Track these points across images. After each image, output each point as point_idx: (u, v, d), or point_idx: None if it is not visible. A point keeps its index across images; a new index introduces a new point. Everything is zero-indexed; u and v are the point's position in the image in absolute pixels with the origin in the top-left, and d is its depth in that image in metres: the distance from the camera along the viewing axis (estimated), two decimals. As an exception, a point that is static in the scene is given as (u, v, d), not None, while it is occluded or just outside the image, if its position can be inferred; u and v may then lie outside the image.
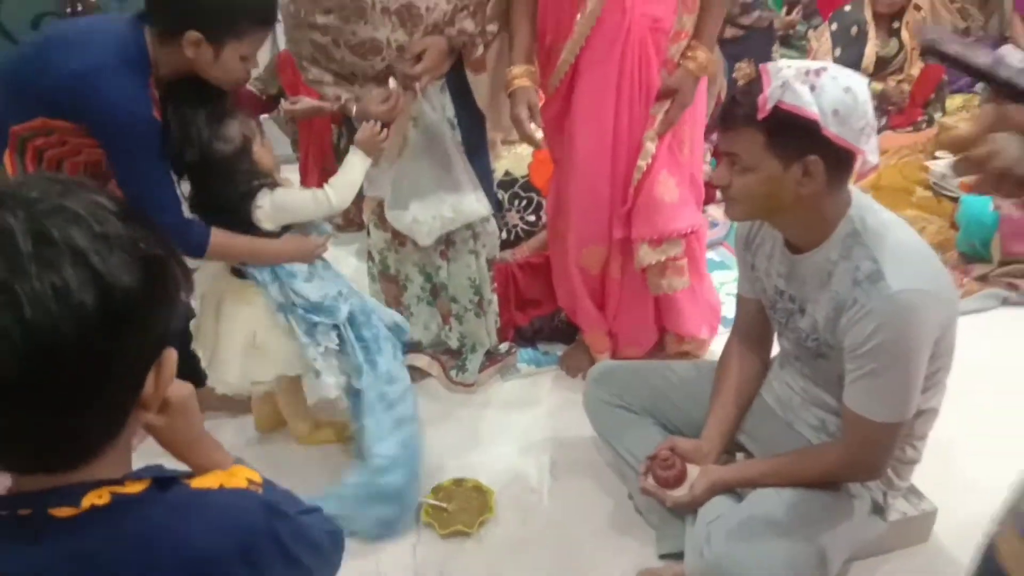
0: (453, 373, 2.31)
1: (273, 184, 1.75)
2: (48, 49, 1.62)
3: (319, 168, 3.20)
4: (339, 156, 3.37)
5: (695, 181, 2.11)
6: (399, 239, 2.20)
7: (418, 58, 1.85)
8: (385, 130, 1.85)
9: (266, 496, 0.79)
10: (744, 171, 1.40)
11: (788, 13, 4.46)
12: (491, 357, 2.35)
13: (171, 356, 0.72)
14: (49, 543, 0.67)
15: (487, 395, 2.31)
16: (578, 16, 1.87)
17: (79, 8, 3.95)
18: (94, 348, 0.62)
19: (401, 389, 1.88)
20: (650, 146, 1.98)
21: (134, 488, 0.70)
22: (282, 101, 3.17)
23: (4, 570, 0.68)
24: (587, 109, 1.97)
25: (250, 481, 0.78)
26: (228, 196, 1.71)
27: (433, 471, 1.96)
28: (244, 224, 1.73)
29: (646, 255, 2.06)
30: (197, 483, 0.74)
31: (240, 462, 0.86)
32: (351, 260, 3.14)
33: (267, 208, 1.72)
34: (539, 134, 1.98)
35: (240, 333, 1.80)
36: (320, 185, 1.82)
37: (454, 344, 2.31)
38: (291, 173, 3.19)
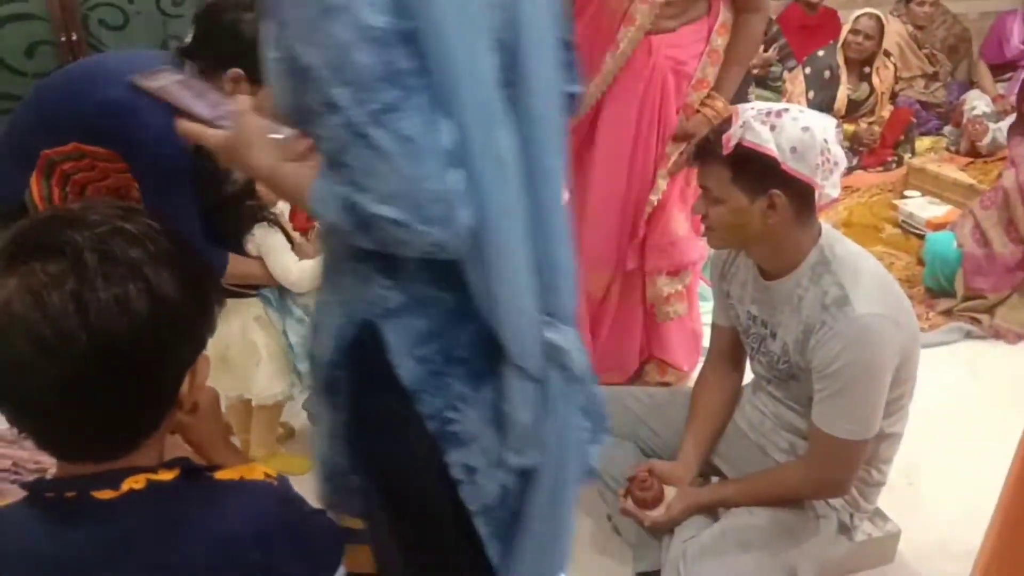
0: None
1: (274, 223, 1.84)
2: (90, 77, 1.69)
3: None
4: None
5: (695, 219, 2.13)
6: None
7: None
8: None
9: (281, 489, 0.86)
10: (715, 203, 1.51)
11: (765, 51, 4.60)
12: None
13: (205, 361, 0.81)
14: (91, 523, 0.74)
15: (470, 419, 2.36)
16: (608, 55, 1.96)
17: (73, 38, 4.03)
18: (145, 351, 0.72)
19: None
20: (662, 183, 2.08)
21: (166, 476, 0.77)
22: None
23: (52, 548, 0.74)
24: (608, 141, 2.06)
25: (267, 475, 0.85)
26: (229, 228, 1.79)
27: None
28: (238, 249, 1.82)
29: (665, 285, 2.17)
30: (221, 475, 0.82)
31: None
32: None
33: (258, 239, 1.82)
34: None
35: (214, 347, 1.85)
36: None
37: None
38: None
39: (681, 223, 2.13)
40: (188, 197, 1.68)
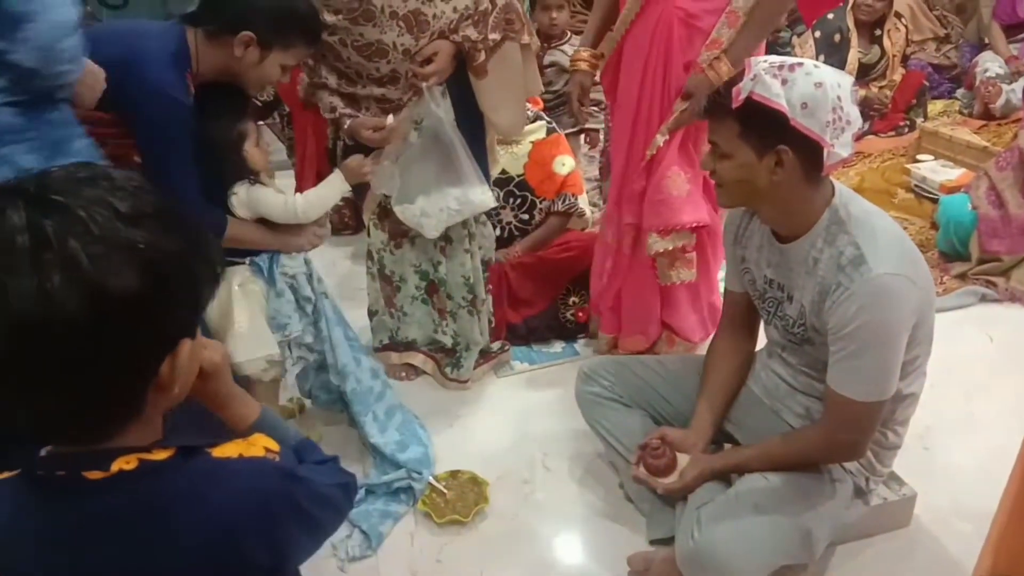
0: (448, 370, 2.36)
1: (256, 182, 1.81)
2: (94, 41, 1.68)
3: (315, 172, 3.25)
4: (334, 161, 3.43)
5: (708, 185, 2.12)
6: (395, 240, 2.25)
7: (428, 60, 1.92)
8: (372, 164, 1.94)
9: (283, 463, 0.84)
10: (723, 158, 1.48)
11: (774, 16, 4.53)
12: (485, 355, 2.40)
13: (187, 346, 0.75)
14: (82, 503, 0.73)
15: (481, 391, 2.35)
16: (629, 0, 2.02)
17: (74, 17, 4.00)
18: (83, 345, 0.66)
19: (383, 382, 2.03)
20: (659, 139, 2.07)
21: (160, 455, 0.75)
22: (280, 106, 3.22)
23: (42, 527, 0.73)
24: (623, 88, 2.13)
25: (267, 449, 0.83)
26: (212, 183, 1.76)
27: (433, 465, 2.00)
28: (221, 210, 1.79)
29: (655, 243, 2.15)
30: (218, 452, 0.79)
31: (269, 415, 0.91)
32: (346, 263, 3.18)
33: (242, 196, 1.78)
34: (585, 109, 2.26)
35: None
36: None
37: (448, 342, 2.35)
38: (287, 179, 3.24)
39: (677, 183, 2.10)
40: (189, 154, 1.68)
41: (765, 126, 1.41)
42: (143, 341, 0.70)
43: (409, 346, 2.41)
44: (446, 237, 2.20)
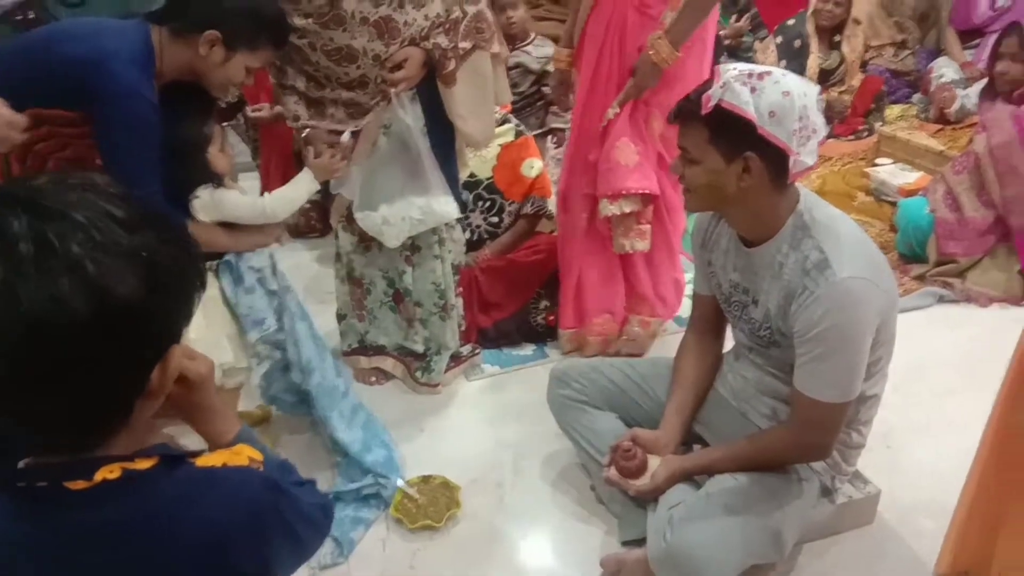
0: (418, 374, 2.35)
1: (219, 185, 1.80)
2: (51, 39, 1.66)
3: (280, 175, 3.21)
4: (300, 163, 3.40)
5: (663, 160, 2.26)
6: (365, 243, 2.24)
7: (398, 66, 1.92)
8: (342, 161, 1.96)
9: (267, 473, 0.83)
10: (691, 163, 1.51)
11: (737, 21, 4.61)
12: (455, 358, 2.40)
13: (176, 353, 0.75)
14: (64, 514, 0.71)
15: (452, 395, 2.35)
16: None
17: (31, 16, 3.90)
18: (88, 349, 0.66)
19: (346, 380, 2.03)
20: (609, 112, 2.22)
21: (143, 464, 0.74)
22: (245, 108, 3.18)
23: (24, 537, 0.71)
24: (584, 73, 2.27)
25: (251, 459, 0.82)
26: (173, 186, 1.73)
27: (401, 469, 2.00)
28: (183, 214, 1.77)
29: (604, 207, 2.27)
30: (202, 461, 0.78)
31: (247, 432, 0.90)
32: (313, 266, 3.16)
33: (205, 199, 1.77)
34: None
35: None
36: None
37: (419, 348, 2.35)
38: (252, 181, 3.21)
39: (626, 153, 2.23)
40: (154, 156, 1.65)
41: (734, 133, 1.43)
42: (142, 347, 0.71)
43: (379, 350, 2.40)
44: (414, 245, 2.19)
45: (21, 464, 0.74)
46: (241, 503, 0.77)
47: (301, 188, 1.90)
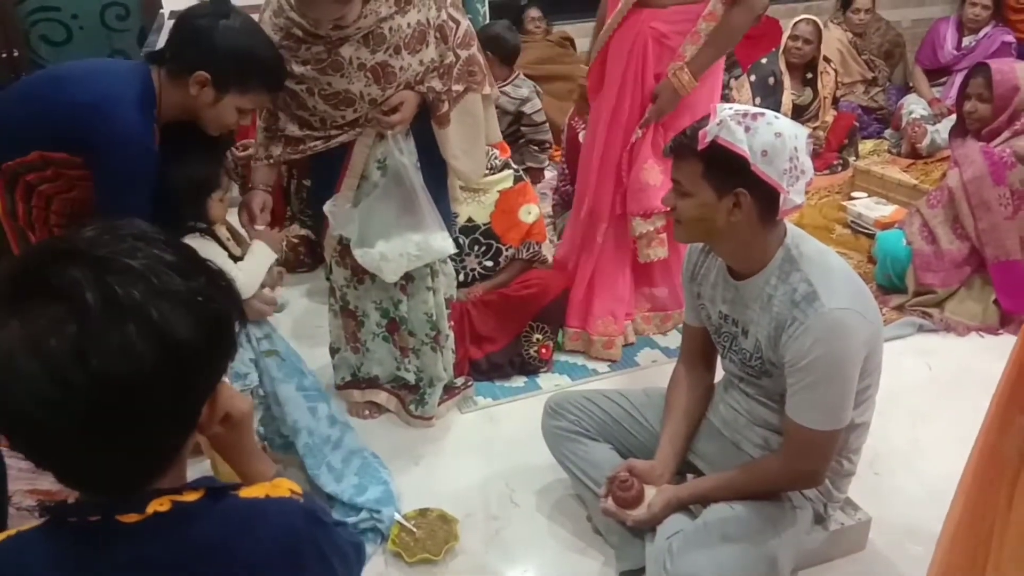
0: (412, 407, 2.36)
1: (208, 232, 1.82)
2: (57, 83, 1.67)
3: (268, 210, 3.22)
4: (288, 199, 3.42)
5: None
6: (358, 276, 2.26)
7: (394, 109, 1.97)
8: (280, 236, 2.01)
9: (307, 504, 0.85)
10: (684, 196, 1.56)
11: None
12: (448, 390, 2.41)
13: (225, 389, 0.79)
14: (117, 548, 0.73)
15: (446, 427, 2.36)
16: (614, 10, 2.40)
17: (15, 54, 3.91)
18: (154, 392, 0.69)
19: (343, 425, 2.03)
20: (639, 131, 2.49)
21: (191, 496, 0.76)
22: (233, 148, 3.20)
23: (77, 573, 0.73)
24: (606, 91, 2.49)
25: (292, 491, 0.84)
26: (163, 222, 1.75)
27: (397, 502, 2.00)
28: None
29: (639, 226, 2.57)
30: (246, 493, 0.81)
31: (281, 473, 0.92)
32: (302, 300, 3.16)
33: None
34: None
35: None
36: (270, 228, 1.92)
37: (411, 379, 2.36)
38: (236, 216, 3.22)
39: (653, 174, 2.49)
40: (146, 202, 1.66)
41: (727, 169, 1.49)
42: (197, 386, 0.74)
43: (372, 383, 2.41)
44: (408, 275, 2.22)
45: (69, 499, 0.76)
46: (283, 533, 0.80)
47: (263, 261, 1.92)
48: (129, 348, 0.67)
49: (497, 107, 3.65)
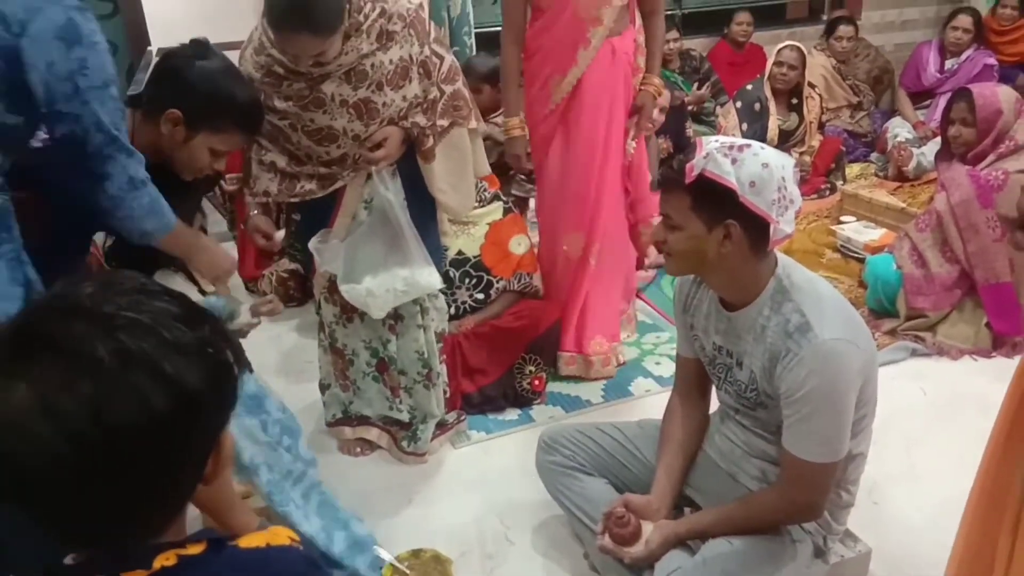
0: (404, 443, 2.33)
1: (179, 271, 1.81)
2: None
3: (256, 246, 3.21)
4: (277, 234, 3.41)
5: None
6: (347, 314, 2.25)
7: (378, 145, 1.96)
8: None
9: (306, 552, 0.85)
10: (674, 229, 1.55)
11: (699, 88, 4.79)
12: (442, 426, 2.39)
13: (229, 439, 0.78)
14: None
15: (439, 464, 2.34)
16: (580, 50, 2.49)
17: None
18: (166, 444, 0.69)
19: (303, 462, 1.93)
20: (631, 145, 2.72)
21: (195, 549, 0.75)
22: (222, 181, 3.20)
23: None
24: (585, 123, 2.57)
25: (291, 539, 0.84)
26: (134, 259, 1.75)
27: (390, 542, 1.96)
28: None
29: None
30: (246, 543, 0.79)
31: (264, 524, 0.90)
32: (292, 335, 3.14)
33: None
34: (529, 165, 2.70)
35: None
36: (258, 263, 1.89)
37: (404, 417, 2.33)
38: (230, 251, 3.21)
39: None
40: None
41: (716, 201, 1.48)
42: (205, 436, 0.74)
43: (363, 420, 2.38)
44: (396, 315, 2.20)
45: (68, 560, 0.74)
46: None
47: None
48: (143, 401, 0.67)
49: (489, 138, 3.71)
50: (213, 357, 0.73)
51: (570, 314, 2.72)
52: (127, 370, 0.66)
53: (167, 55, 1.73)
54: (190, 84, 1.64)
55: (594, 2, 2.45)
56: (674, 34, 4.73)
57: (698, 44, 5.15)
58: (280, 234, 2.02)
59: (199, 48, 1.69)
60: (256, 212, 2.11)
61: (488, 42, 4.64)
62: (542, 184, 2.73)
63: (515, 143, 2.61)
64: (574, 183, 2.63)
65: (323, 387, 2.39)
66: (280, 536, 0.82)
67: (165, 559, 0.72)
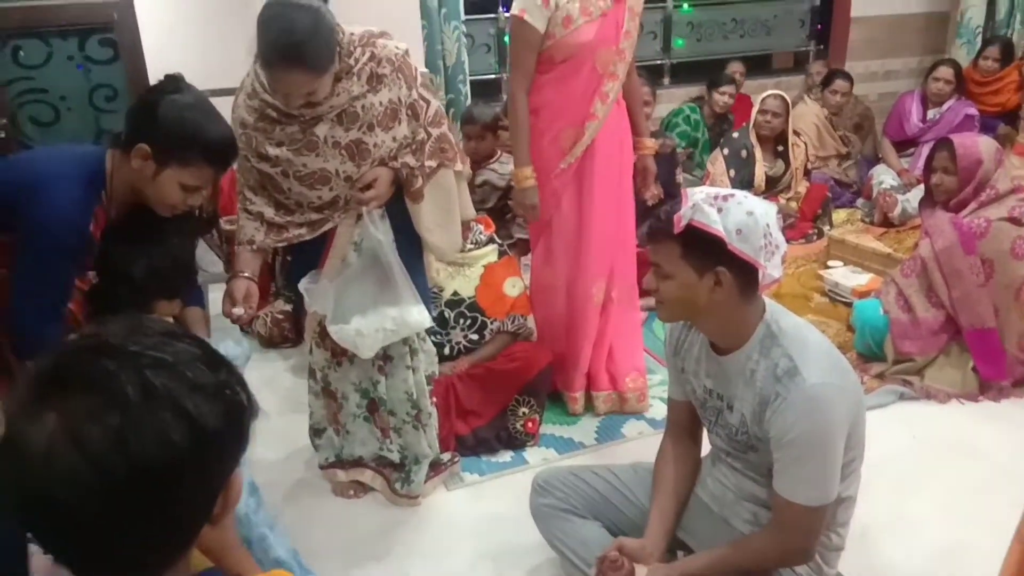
0: (398, 486, 2.34)
1: (151, 312, 1.81)
2: (9, 164, 1.70)
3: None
4: (273, 277, 3.45)
5: None
6: (337, 358, 2.26)
7: (368, 186, 2.00)
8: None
9: None
10: (665, 278, 1.59)
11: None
12: (435, 467, 2.39)
13: (238, 480, 0.80)
14: None
15: (433, 506, 2.34)
16: (597, 104, 2.53)
17: (2, 135, 3.96)
18: (183, 479, 0.72)
19: (257, 500, 1.89)
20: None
21: None
22: (219, 221, 3.24)
23: None
24: (603, 172, 2.61)
25: None
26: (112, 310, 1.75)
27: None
28: None
29: None
30: None
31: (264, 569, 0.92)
32: (287, 376, 3.15)
33: None
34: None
35: None
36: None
37: (395, 457, 2.34)
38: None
39: None
40: (68, 277, 1.67)
41: (704, 249, 1.53)
42: (218, 475, 0.77)
43: (356, 463, 2.39)
44: (386, 355, 2.22)
45: None
46: None
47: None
48: (165, 437, 0.69)
49: (487, 183, 3.78)
50: (231, 398, 0.76)
51: (599, 351, 2.78)
52: (151, 405, 0.70)
53: (145, 91, 1.76)
54: (158, 118, 1.65)
55: (611, 57, 2.50)
56: (648, 95, 4.24)
57: (685, 93, 5.27)
58: (238, 310, 1.98)
59: (172, 83, 1.71)
60: (243, 274, 2.05)
61: (482, 89, 4.75)
62: (551, 235, 2.70)
63: (528, 194, 2.58)
64: (596, 234, 2.64)
65: (317, 431, 2.39)
66: None
67: None
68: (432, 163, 2.09)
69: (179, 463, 0.70)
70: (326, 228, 2.06)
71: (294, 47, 1.75)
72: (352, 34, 1.93)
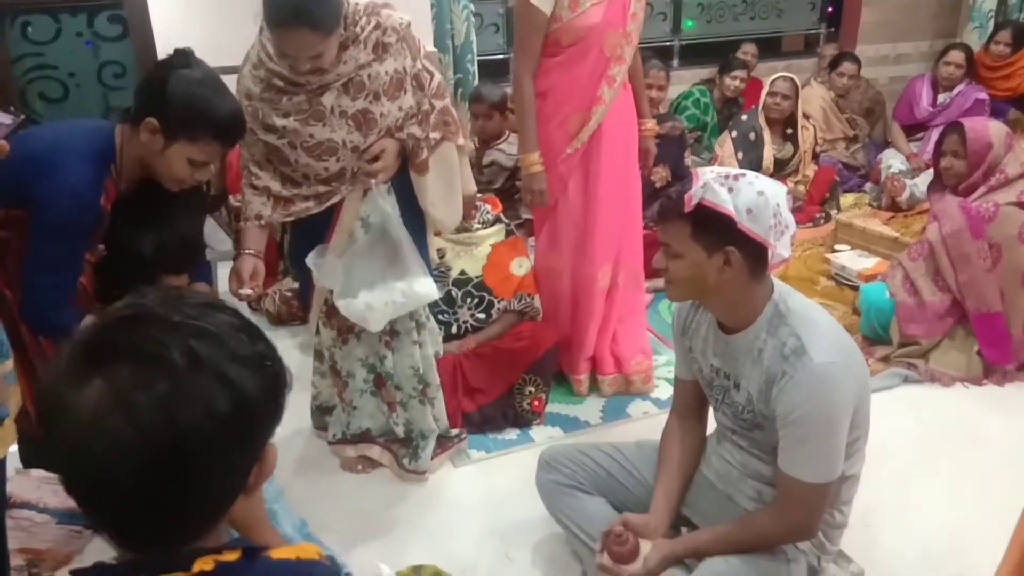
0: (405, 461, 2.36)
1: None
2: (20, 140, 1.70)
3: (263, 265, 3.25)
4: (282, 254, 3.46)
5: None
6: (343, 335, 2.28)
7: (375, 157, 2.01)
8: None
9: (332, 566, 0.88)
10: (675, 257, 1.60)
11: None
12: (442, 443, 2.42)
13: (272, 452, 0.82)
14: None
15: (439, 482, 2.36)
16: (604, 87, 2.51)
17: (11, 111, 3.97)
18: (224, 447, 0.73)
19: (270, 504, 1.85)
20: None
21: (231, 556, 0.78)
22: (229, 199, 3.25)
23: None
24: (611, 157, 2.59)
25: (320, 554, 0.87)
26: (106, 287, 1.78)
27: (391, 559, 1.98)
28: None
29: None
30: (277, 555, 0.83)
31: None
32: (295, 353, 3.17)
33: None
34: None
35: None
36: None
37: (401, 432, 2.36)
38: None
39: None
40: (80, 253, 1.68)
41: (714, 228, 1.54)
42: (255, 445, 0.78)
43: (363, 437, 2.41)
44: (392, 331, 2.23)
45: (111, 560, 0.77)
46: None
47: None
48: (211, 404, 0.71)
49: (495, 163, 3.79)
50: (269, 369, 0.78)
51: (604, 338, 2.78)
52: (197, 373, 0.71)
53: (156, 64, 1.76)
54: (168, 92, 1.66)
55: (618, 40, 2.48)
56: (662, 80, 4.10)
57: (694, 75, 5.24)
58: (246, 291, 1.99)
59: (182, 58, 1.72)
60: (249, 251, 2.05)
61: (490, 69, 4.74)
62: (557, 219, 2.68)
63: (536, 179, 2.55)
64: (603, 219, 2.63)
65: (324, 410, 2.41)
66: (309, 551, 0.86)
67: (204, 563, 0.76)
68: (436, 135, 2.09)
69: (220, 431, 0.72)
70: (333, 200, 2.06)
71: (301, 4, 1.75)
72: (357, 3, 1.93)
